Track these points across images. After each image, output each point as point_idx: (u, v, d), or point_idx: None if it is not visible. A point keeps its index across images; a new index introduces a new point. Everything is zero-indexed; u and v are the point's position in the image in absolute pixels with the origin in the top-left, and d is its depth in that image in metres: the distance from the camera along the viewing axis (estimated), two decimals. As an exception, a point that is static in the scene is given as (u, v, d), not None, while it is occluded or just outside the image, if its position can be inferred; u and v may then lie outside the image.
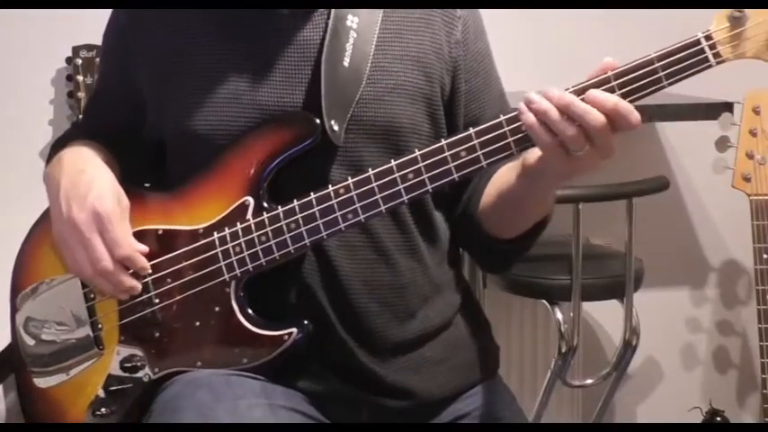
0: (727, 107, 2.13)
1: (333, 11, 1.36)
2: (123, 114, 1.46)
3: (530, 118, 1.22)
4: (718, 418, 2.65)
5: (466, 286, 1.52)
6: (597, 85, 1.22)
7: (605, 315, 2.76)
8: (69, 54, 2.26)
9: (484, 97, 1.45)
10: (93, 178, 1.35)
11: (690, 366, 2.88)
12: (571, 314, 2.31)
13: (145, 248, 1.35)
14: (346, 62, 1.34)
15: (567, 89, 1.23)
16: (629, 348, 2.45)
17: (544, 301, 2.35)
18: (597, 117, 1.20)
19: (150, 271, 1.35)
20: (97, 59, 2.13)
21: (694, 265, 2.85)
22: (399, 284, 1.38)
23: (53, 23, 2.36)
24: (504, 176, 1.38)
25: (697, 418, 2.68)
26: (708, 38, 1.22)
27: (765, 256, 1.96)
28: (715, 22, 1.22)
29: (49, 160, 1.49)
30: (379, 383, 1.37)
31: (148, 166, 1.49)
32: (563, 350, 2.34)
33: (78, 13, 2.24)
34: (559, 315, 2.32)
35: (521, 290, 2.37)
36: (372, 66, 1.36)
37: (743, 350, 2.86)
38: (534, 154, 1.27)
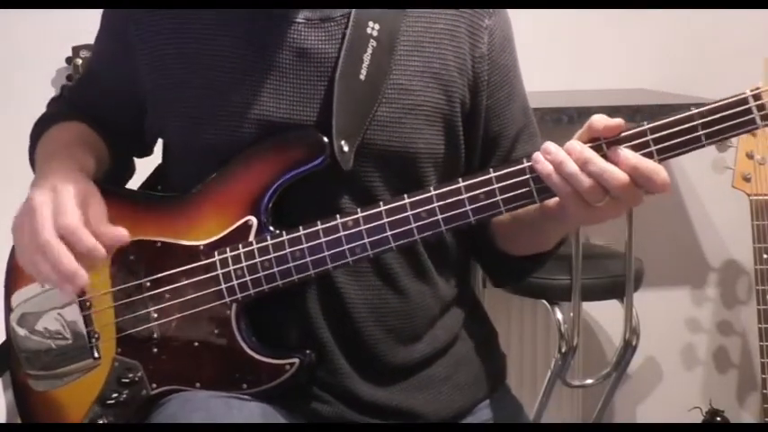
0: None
1: (352, 17, 1.28)
2: (115, 98, 1.42)
3: (546, 167, 1.16)
4: (718, 418, 2.65)
5: (472, 294, 1.48)
6: (632, 138, 1.15)
7: (605, 315, 2.76)
8: (69, 54, 2.26)
9: (506, 113, 1.37)
10: (68, 184, 1.24)
11: (690, 366, 2.88)
12: (571, 314, 2.31)
13: (123, 232, 1.21)
14: (362, 75, 1.27)
15: (600, 142, 1.16)
16: (629, 348, 2.45)
17: (544, 301, 2.35)
18: (616, 176, 1.13)
19: (101, 255, 1.19)
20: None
21: (694, 265, 2.85)
22: (408, 309, 1.34)
23: (53, 23, 2.36)
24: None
25: (697, 418, 2.68)
26: (756, 97, 1.12)
27: (765, 256, 1.96)
28: (764, 78, 1.14)
29: (33, 137, 1.45)
30: (383, 408, 1.34)
31: (137, 150, 1.48)
32: (563, 350, 2.34)
33: (78, 13, 2.24)
34: (559, 315, 2.32)
35: (521, 290, 2.37)
36: (390, 82, 1.28)
37: (743, 350, 2.86)
38: (554, 199, 1.21)
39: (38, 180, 1.29)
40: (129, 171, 1.53)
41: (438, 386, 1.38)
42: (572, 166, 1.15)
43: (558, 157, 1.16)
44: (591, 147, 1.16)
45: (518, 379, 2.62)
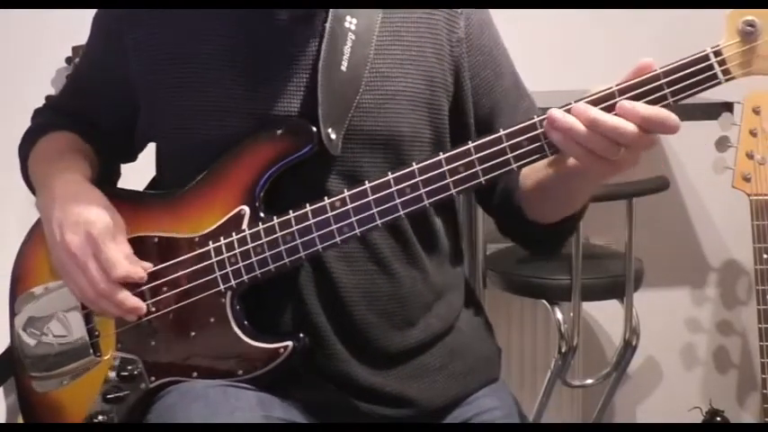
0: (727, 107, 2.13)
1: (331, 13, 1.33)
2: (108, 100, 1.45)
3: (557, 136, 1.17)
4: (718, 418, 2.65)
5: (468, 287, 1.50)
6: (601, 101, 1.17)
7: (605, 315, 2.76)
8: (69, 54, 2.26)
9: (496, 89, 1.41)
10: (84, 203, 1.33)
11: (690, 366, 2.88)
12: (571, 314, 2.31)
13: (147, 265, 1.33)
14: (344, 66, 1.31)
15: (577, 101, 1.18)
16: (629, 348, 2.45)
17: (544, 301, 2.35)
18: (627, 129, 1.14)
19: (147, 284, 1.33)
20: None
21: (694, 265, 2.85)
22: (400, 294, 1.37)
23: (53, 23, 2.36)
24: (543, 171, 1.33)
25: (697, 418, 2.68)
26: (717, 53, 1.15)
27: (765, 256, 1.95)
28: (725, 35, 1.15)
29: (23, 151, 1.47)
30: (379, 393, 1.36)
31: (124, 154, 1.51)
32: (563, 350, 2.34)
33: (78, 13, 2.22)
34: (559, 315, 2.32)
35: (521, 290, 2.37)
36: (371, 71, 1.33)
37: (743, 350, 2.86)
38: (571, 159, 1.23)
39: (54, 205, 1.33)
40: (117, 175, 1.55)
41: (433, 375, 1.39)
42: (581, 130, 1.16)
43: (565, 123, 1.17)
44: (603, 95, 1.17)
45: (518, 379, 2.62)
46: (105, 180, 1.47)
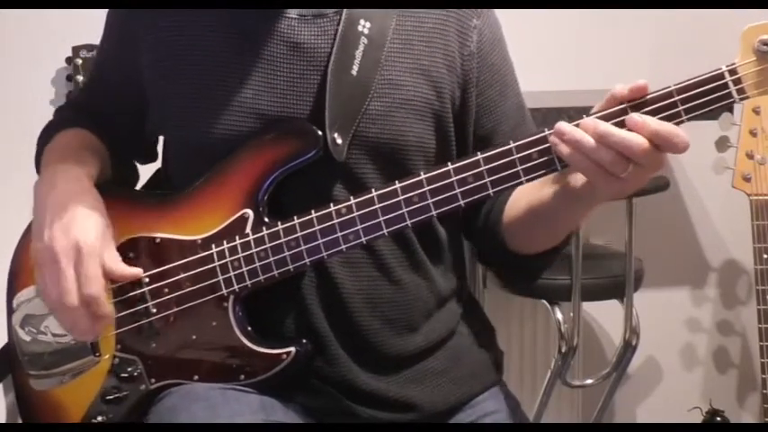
0: (728, 107, 2.13)
1: (344, 15, 1.31)
2: (121, 99, 1.44)
3: (565, 149, 1.16)
4: (718, 418, 2.65)
5: (469, 292, 1.49)
6: (612, 117, 1.16)
7: (605, 315, 2.76)
8: (69, 54, 2.26)
9: (498, 110, 1.40)
10: (81, 207, 1.30)
11: (690, 366, 2.88)
12: (571, 314, 2.31)
13: (134, 272, 1.31)
14: (354, 70, 1.30)
15: (624, 106, 1.16)
16: (629, 348, 2.45)
17: (544, 301, 2.35)
18: (637, 143, 1.13)
19: (112, 319, 1.31)
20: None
21: (694, 265, 2.85)
22: (403, 301, 1.36)
23: (53, 23, 2.36)
24: (537, 194, 1.32)
25: (697, 418, 2.68)
26: (732, 72, 1.14)
27: (765, 256, 1.95)
28: (740, 53, 1.14)
29: (40, 143, 1.47)
30: (381, 398, 1.35)
31: (141, 153, 1.51)
32: (563, 350, 2.34)
33: (78, 13, 2.24)
34: (559, 315, 2.32)
35: (521, 290, 2.37)
36: (381, 78, 1.32)
37: (743, 350, 2.86)
38: (580, 177, 1.22)
39: (51, 194, 1.32)
40: (134, 177, 1.55)
41: (435, 379, 1.39)
42: (590, 142, 1.15)
43: (574, 136, 1.16)
44: (614, 111, 1.16)
45: (518, 379, 2.62)
46: (122, 182, 1.47)
